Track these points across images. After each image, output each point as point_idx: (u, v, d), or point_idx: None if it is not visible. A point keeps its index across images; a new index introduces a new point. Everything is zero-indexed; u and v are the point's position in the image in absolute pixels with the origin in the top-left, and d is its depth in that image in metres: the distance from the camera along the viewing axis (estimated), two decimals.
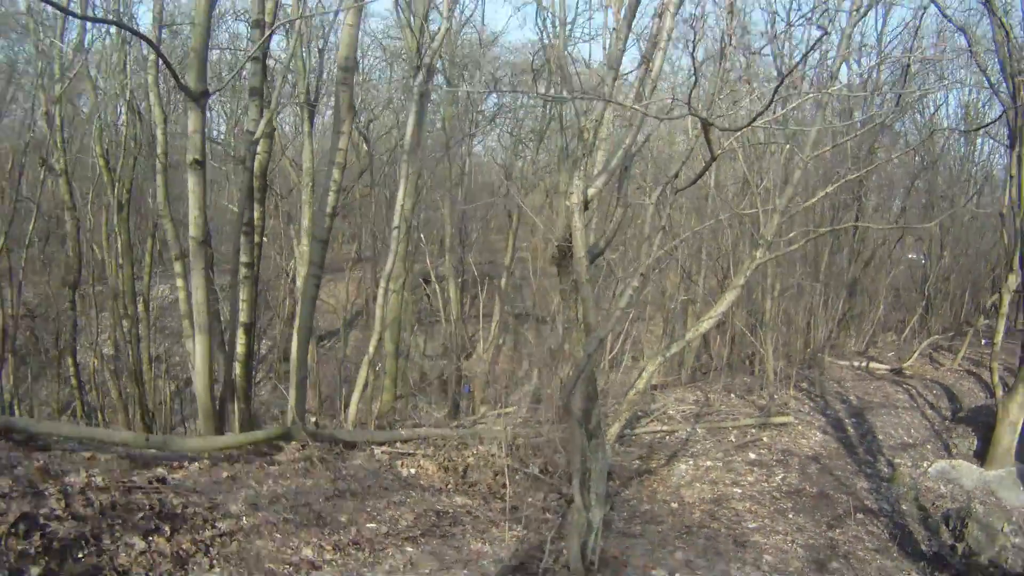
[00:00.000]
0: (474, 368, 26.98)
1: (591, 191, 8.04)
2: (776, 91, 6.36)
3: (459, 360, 27.05)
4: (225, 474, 10.35)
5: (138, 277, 24.09)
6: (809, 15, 17.28)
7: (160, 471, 9.79)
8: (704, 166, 8.21)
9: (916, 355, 22.32)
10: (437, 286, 28.18)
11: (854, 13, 14.19)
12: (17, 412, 20.37)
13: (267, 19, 12.87)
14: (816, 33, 19.33)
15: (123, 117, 23.75)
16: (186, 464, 10.44)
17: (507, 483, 10.93)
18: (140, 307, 23.74)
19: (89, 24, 22.22)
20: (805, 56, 7.82)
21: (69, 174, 22.08)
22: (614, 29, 7.83)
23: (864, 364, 21.97)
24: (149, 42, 10.79)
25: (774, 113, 7.12)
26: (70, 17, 20.27)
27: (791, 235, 13.86)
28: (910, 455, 16.12)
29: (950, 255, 26.57)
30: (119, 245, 22.65)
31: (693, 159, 11.19)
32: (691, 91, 6.68)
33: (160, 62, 15.24)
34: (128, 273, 22.84)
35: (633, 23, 8.37)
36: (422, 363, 29.04)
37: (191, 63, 10.18)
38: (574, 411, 8.12)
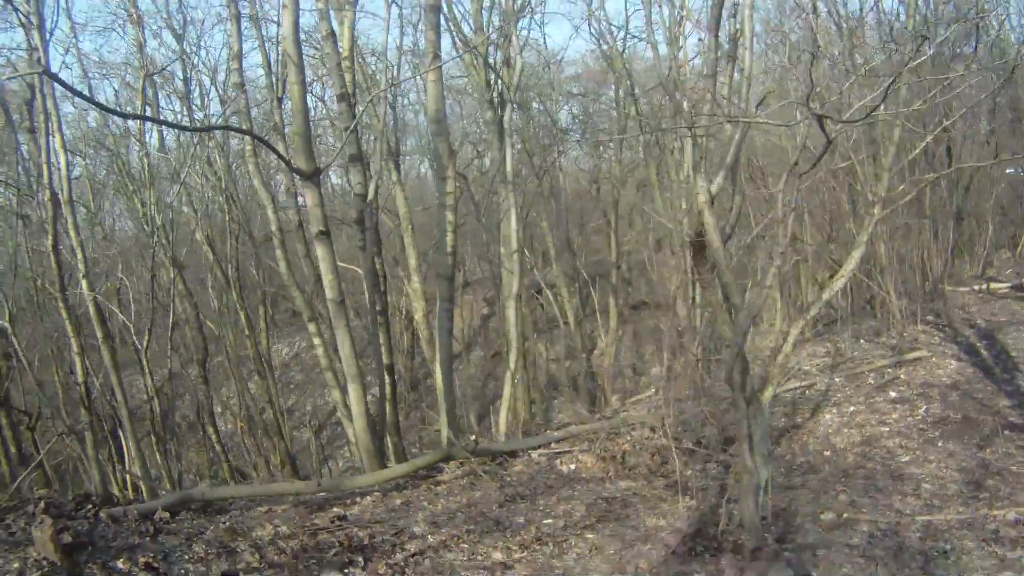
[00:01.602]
0: (600, 362, 27.77)
1: (714, 188, 8.96)
2: (888, 88, 7.16)
3: (587, 356, 27.92)
4: (399, 501, 11.30)
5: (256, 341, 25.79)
6: None
7: (337, 510, 10.73)
8: (821, 151, 8.95)
9: None
10: (549, 293, 29.09)
11: None
12: (169, 484, 21.73)
13: (349, 90, 14.05)
14: None
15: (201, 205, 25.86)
16: (358, 500, 11.40)
17: (674, 458, 11.65)
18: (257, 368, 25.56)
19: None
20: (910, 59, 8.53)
21: (181, 267, 23.83)
22: (700, 39, 8.70)
23: (985, 286, 22.18)
24: (265, 143, 11.91)
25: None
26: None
27: (901, 188, 14.30)
28: None
29: None
30: (243, 318, 24.45)
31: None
32: (809, 94, 7.53)
33: (257, 149, 16.94)
34: (253, 341, 24.67)
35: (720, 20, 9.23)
36: (548, 367, 29.94)
37: (296, 146, 11.30)
38: (735, 383, 8.95)
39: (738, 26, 11.05)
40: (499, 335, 27.83)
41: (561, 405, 26.28)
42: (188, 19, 24.89)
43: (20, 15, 17.22)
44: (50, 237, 17.69)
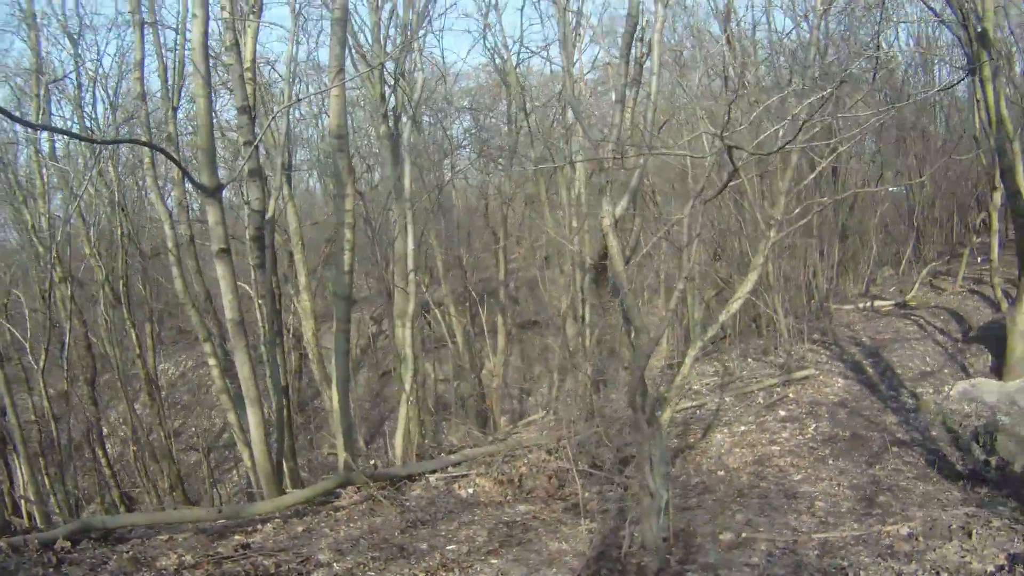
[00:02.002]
0: (489, 381, 27.79)
1: (618, 211, 9.08)
2: (801, 127, 7.37)
3: (476, 377, 27.90)
4: (300, 528, 11.15)
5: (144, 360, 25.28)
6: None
7: (239, 538, 10.55)
8: (727, 179, 9.16)
9: (917, 285, 23.07)
10: (438, 312, 29.03)
11: None
12: (56, 508, 21.15)
13: (250, 102, 13.79)
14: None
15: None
16: (259, 527, 11.22)
17: (573, 480, 11.75)
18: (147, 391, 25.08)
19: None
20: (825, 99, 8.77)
21: (80, 283, 23.27)
22: (608, 64, 8.89)
23: (869, 304, 22.77)
24: (172, 158, 11.61)
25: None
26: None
27: (796, 211, 14.69)
28: (930, 382, 16.84)
29: (931, 182, 27.41)
30: (132, 335, 23.99)
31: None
32: (723, 128, 7.69)
33: (156, 161, 16.62)
34: (141, 360, 24.29)
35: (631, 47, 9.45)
36: (437, 388, 29.86)
37: (200, 161, 11.07)
38: (636, 405, 9.05)
39: (644, 50, 11.24)
40: (387, 354, 27.71)
41: (450, 427, 26.21)
42: (85, 23, 23.87)
43: None
44: None
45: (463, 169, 35.61)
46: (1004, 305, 18.09)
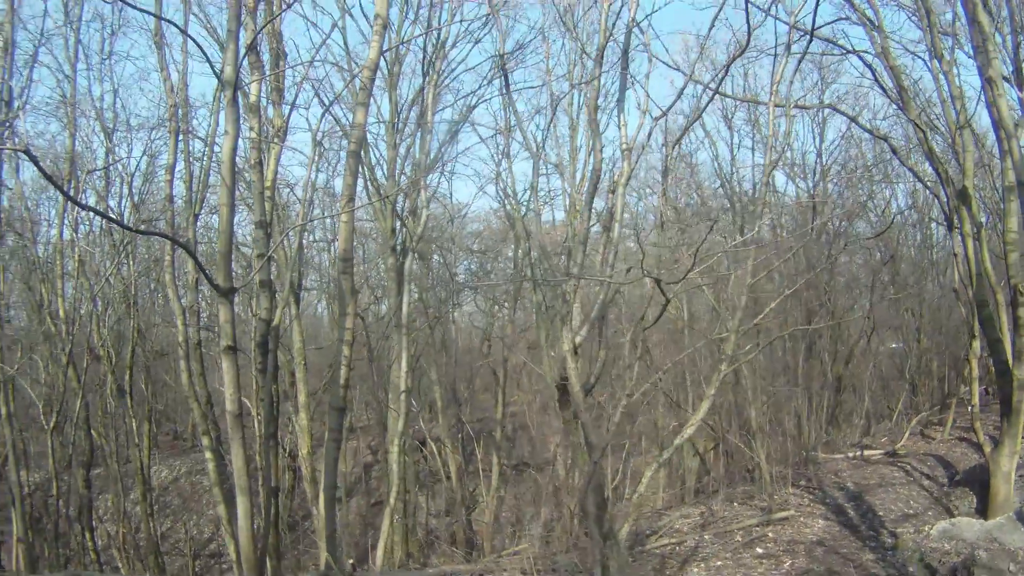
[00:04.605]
0: (480, 519, 28.40)
1: (578, 339, 10.41)
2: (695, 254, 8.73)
3: (467, 514, 28.55)
4: None
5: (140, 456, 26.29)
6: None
7: None
8: (661, 309, 10.52)
9: (907, 434, 23.89)
10: (434, 447, 29.85)
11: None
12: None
13: (268, 219, 15.19)
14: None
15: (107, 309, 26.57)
16: None
17: None
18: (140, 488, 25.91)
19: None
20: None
21: (76, 364, 24.30)
22: (575, 208, 10.45)
23: (859, 453, 23.50)
24: (194, 258, 12.81)
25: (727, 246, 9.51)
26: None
27: (747, 348, 15.93)
28: (912, 523, 17.48)
29: (927, 338, 28.48)
30: (134, 427, 25.33)
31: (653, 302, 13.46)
32: (642, 260, 9.07)
33: (175, 261, 18.02)
34: (137, 455, 25.29)
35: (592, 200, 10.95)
36: (428, 521, 30.40)
37: (218, 264, 12.26)
38: (589, 512, 10.07)
39: (612, 203, 12.73)
40: (380, 484, 28.37)
41: (438, 558, 26.73)
42: (119, 119, 25.21)
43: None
44: None
45: (461, 305, 36.85)
46: (987, 448, 18.67)
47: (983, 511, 17.23)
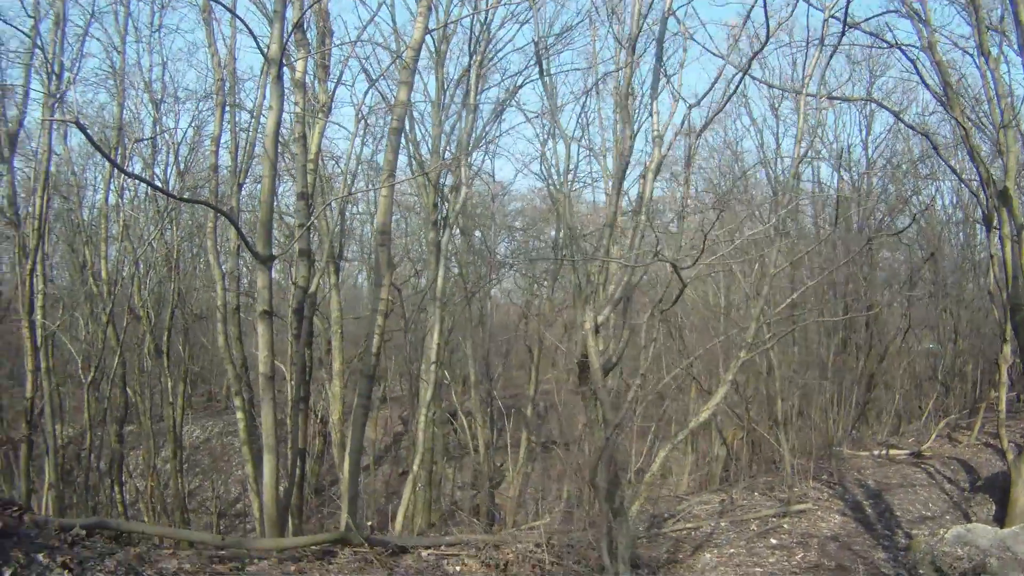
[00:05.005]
0: (504, 494, 28.83)
1: (600, 318, 10.77)
2: (705, 238, 9.03)
3: (491, 488, 28.97)
4: (293, 568, 12.37)
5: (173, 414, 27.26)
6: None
7: (235, 564, 11.85)
8: (678, 293, 10.86)
9: (934, 436, 23.84)
10: (464, 420, 30.32)
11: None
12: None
13: (309, 190, 15.72)
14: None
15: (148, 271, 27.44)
16: (255, 562, 12.45)
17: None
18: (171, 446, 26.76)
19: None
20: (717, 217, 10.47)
21: (115, 323, 25.08)
22: (607, 195, 10.80)
23: (884, 452, 23.57)
24: (236, 226, 13.31)
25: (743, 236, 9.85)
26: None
27: (768, 336, 16.16)
28: (928, 526, 17.52)
29: (963, 340, 28.43)
30: (169, 386, 26.58)
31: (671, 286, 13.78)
32: (657, 247, 9.39)
33: (217, 228, 18.76)
34: (171, 413, 26.13)
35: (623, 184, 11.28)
36: (453, 493, 30.90)
37: (258, 233, 12.78)
38: (599, 487, 10.43)
39: (642, 189, 13.08)
40: (409, 454, 28.81)
41: (457, 531, 27.10)
42: (167, 90, 26.12)
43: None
44: (29, 264, 19.71)
45: (506, 287, 37.23)
46: (1011, 455, 18.41)
47: (1001, 519, 17.19)
